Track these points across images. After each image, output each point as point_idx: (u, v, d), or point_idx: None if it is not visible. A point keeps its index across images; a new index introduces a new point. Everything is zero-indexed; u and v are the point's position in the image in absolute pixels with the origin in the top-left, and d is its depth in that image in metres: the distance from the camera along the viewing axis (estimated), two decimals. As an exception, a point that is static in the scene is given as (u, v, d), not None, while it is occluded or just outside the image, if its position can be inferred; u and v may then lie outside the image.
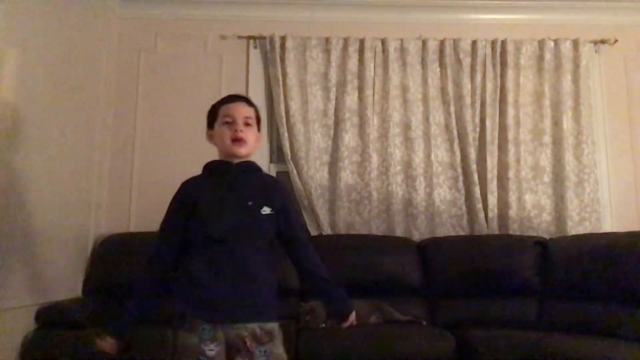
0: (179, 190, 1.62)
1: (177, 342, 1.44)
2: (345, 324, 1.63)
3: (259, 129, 1.65)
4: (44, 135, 2.56)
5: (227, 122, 1.57)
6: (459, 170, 3.25)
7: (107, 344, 1.49)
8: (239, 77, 3.40)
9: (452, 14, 3.50)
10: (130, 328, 1.53)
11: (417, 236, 3.16)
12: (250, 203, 1.53)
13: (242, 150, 1.56)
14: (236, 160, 1.58)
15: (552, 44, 3.38)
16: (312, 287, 1.69)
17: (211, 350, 1.39)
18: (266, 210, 1.53)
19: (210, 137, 1.65)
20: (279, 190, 1.63)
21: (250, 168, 1.62)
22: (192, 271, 1.49)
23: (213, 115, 1.64)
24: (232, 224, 1.50)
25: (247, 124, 1.58)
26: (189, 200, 1.56)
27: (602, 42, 3.45)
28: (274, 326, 1.50)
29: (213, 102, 1.68)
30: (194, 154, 3.25)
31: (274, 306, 1.55)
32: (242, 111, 1.59)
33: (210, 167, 1.64)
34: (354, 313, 1.64)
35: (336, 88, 3.31)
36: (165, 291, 1.55)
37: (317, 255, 1.65)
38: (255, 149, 1.62)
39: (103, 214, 3.19)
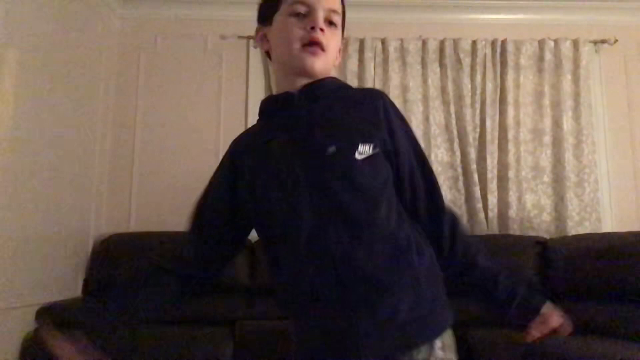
0: (226, 152, 1.02)
1: None
2: (542, 326, 0.96)
3: (343, 34, 1.02)
4: (43, 135, 2.55)
5: (298, 14, 0.93)
6: (459, 170, 3.25)
7: (65, 349, 0.88)
8: (239, 77, 3.40)
9: (452, 14, 3.50)
10: (106, 333, 0.92)
11: (417, 236, 3.15)
12: (332, 149, 0.87)
13: (317, 64, 0.93)
14: (301, 83, 0.95)
15: (552, 44, 3.37)
16: (470, 284, 0.97)
17: None
18: (364, 150, 0.87)
19: (261, 40, 1.02)
20: (378, 107, 0.93)
21: (328, 89, 0.96)
22: (276, 290, 0.93)
23: (272, 4, 0.98)
24: (307, 196, 0.87)
25: (330, 22, 0.95)
26: (240, 165, 0.96)
27: (602, 42, 3.44)
28: (433, 349, 0.86)
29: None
30: (194, 154, 3.29)
31: (431, 312, 0.87)
32: (325, 1, 0.94)
33: (265, 107, 1.02)
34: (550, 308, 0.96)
35: (336, 88, 3.31)
36: (174, 299, 0.99)
37: (461, 225, 0.98)
38: (334, 64, 1.00)
39: (103, 214, 3.18)
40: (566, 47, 3.36)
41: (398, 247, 0.86)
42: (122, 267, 2.82)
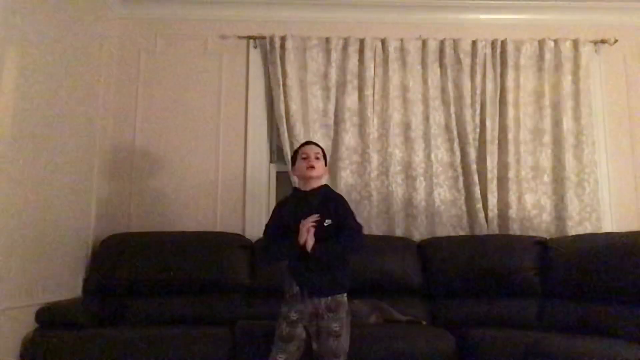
0: (275, 207, 2.33)
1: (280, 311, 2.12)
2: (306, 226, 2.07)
3: (325, 164, 2.28)
4: (43, 135, 2.56)
5: (303, 158, 2.20)
6: (459, 170, 3.25)
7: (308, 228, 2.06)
8: (239, 77, 3.41)
9: (452, 14, 3.50)
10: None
11: (417, 236, 3.16)
12: (328, 221, 2.10)
13: (313, 173, 2.17)
14: (310, 187, 2.19)
15: (552, 44, 3.38)
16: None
17: (294, 315, 2.06)
18: (328, 221, 2.08)
19: (293, 171, 2.32)
20: (334, 204, 2.16)
21: (318, 192, 2.19)
22: (288, 262, 2.15)
23: (295, 156, 2.27)
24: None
25: (317, 158, 2.20)
26: (279, 213, 2.23)
27: (602, 42, 3.45)
28: (342, 298, 2.08)
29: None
30: (194, 154, 3.30)
31: (343, 282, 2.11)
32: (313, 150, 2.23)
33: (293, 192, 2.32)
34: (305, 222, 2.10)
35: (336, 88, 3.31)
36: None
37: (351, 235, 2.10)
38: (323, 174, 2.26)
39: (103, 214, 3.19)
40: (566, 47, 3.36)
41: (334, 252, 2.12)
42: (122, 267, 2.82)
